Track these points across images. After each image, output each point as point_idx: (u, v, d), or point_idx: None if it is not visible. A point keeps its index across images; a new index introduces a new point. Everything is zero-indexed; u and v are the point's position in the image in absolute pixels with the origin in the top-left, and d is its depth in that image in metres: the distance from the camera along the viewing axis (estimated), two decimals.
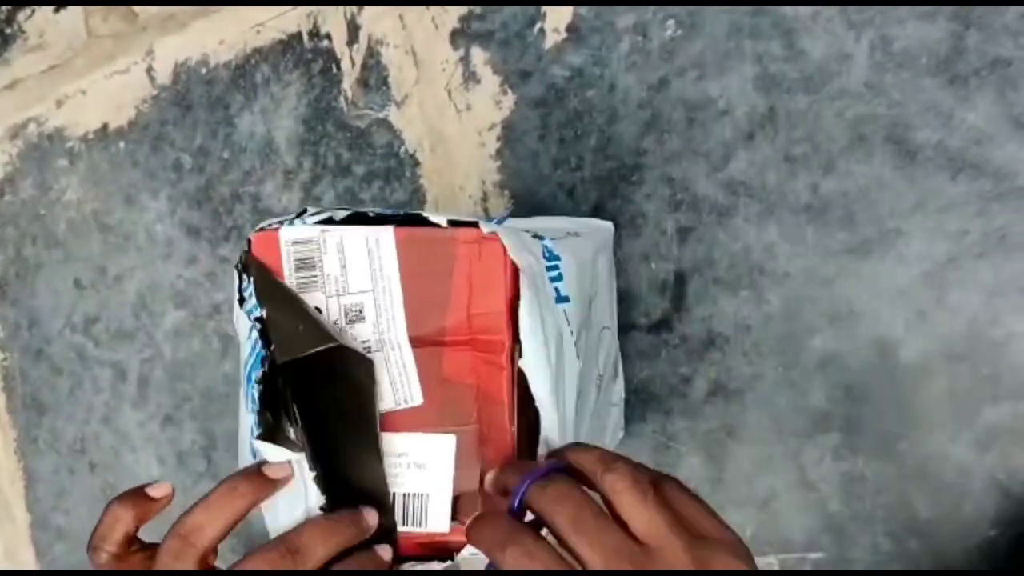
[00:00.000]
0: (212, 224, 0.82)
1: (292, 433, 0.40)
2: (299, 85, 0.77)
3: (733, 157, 0.62)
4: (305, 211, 0.42)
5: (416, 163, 0.72)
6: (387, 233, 0.40)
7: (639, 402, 0.65)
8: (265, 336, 0.40)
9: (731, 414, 0.63)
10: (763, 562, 0.62)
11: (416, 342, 0.41)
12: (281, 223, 0.42)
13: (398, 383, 0.42)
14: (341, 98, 0.75)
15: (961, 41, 0.56)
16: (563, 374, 0.43)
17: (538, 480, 0.36)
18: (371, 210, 0.42)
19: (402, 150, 0.73)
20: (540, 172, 0.68)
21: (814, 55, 0.60)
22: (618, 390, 0.62)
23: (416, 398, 0.41)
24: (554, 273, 0.44)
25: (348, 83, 0.74)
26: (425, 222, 0.41)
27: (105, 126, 0.88)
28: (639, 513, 0.34)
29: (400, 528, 0.42)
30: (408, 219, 0.42)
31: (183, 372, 0.85)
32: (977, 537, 0.57)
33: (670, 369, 0.65)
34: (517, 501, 0.36)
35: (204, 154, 0.82)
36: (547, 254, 0.44)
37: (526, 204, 0.69)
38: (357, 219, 0.42)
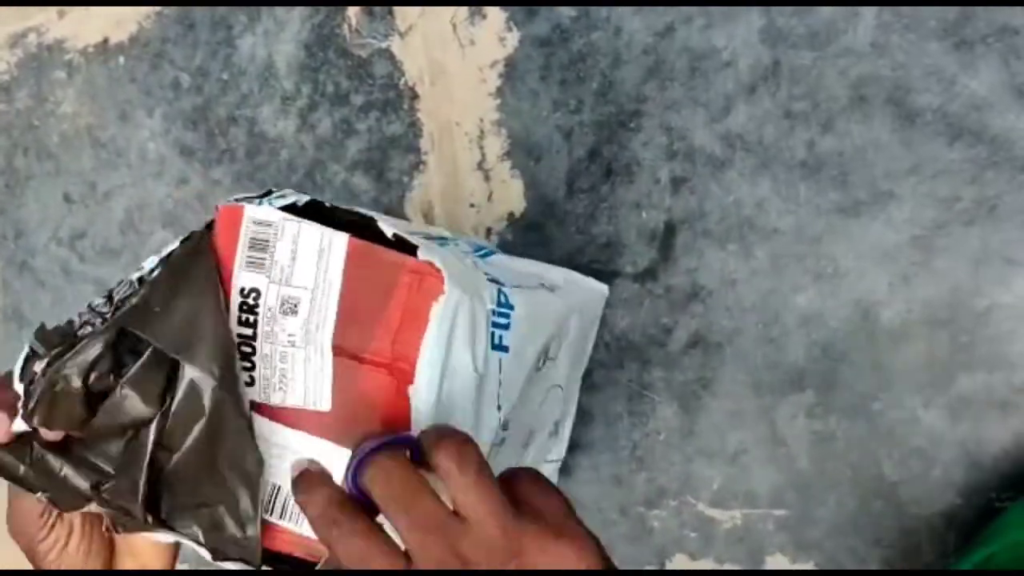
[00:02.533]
0: (206, 146, 0.81)
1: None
2: (303, 9, 0.76)
3: (733, 109, 0.62)
4: (271, 192, 0.43)
5: (415, 96, 0.72)
6: (341, 240, 0.41)
7: (617, 350, 0.65)
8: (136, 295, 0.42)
9: (708, 367, 0.63)
10: (727, 515, 0.62)
11: (338, 351, 0.42)
12: (248, 200, 0.43)
13: (311, 384, 0.42)
14: (345, 25, 0.74)
15: (970, 6, 0.56)
16: (479, 418, 0.44)
17: (367, 456, 0.36)
18: (330, 203, 0.43)
19: (402, 82, 0.72)
20: (539, 113, 0.68)
21: (823, 10, 0.59)
22: (557, 449, 0.62)
23: (324, 404, 0.42)
24: (503, 320, 0.44)
25: (353, 10, 0.74)
26: (376, 230, 0.41)
27: (106, 40, 0.87)
28: (456, 483, 0.33)
29: (277, 522, 0.43)
30: (362, 221, 0.42)
31: None
32: (942, 504, 0.58)
33: (651, 319, 0.65)
34: (351, 479, 0.36)
35: (203, 74, 0.81)
36: (502, 299, 0.44)
37: (523, 144, 0.68)
38: (315, 208, 0.43)
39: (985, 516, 0.56)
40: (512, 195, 0.69)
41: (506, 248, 0.70)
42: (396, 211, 0.74)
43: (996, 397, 0.56)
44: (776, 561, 0.61)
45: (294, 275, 0.41)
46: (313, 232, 0.41)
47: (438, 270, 0.40)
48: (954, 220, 0.57)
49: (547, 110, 0.67)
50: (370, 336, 0.41)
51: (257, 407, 0.43)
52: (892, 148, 0.58)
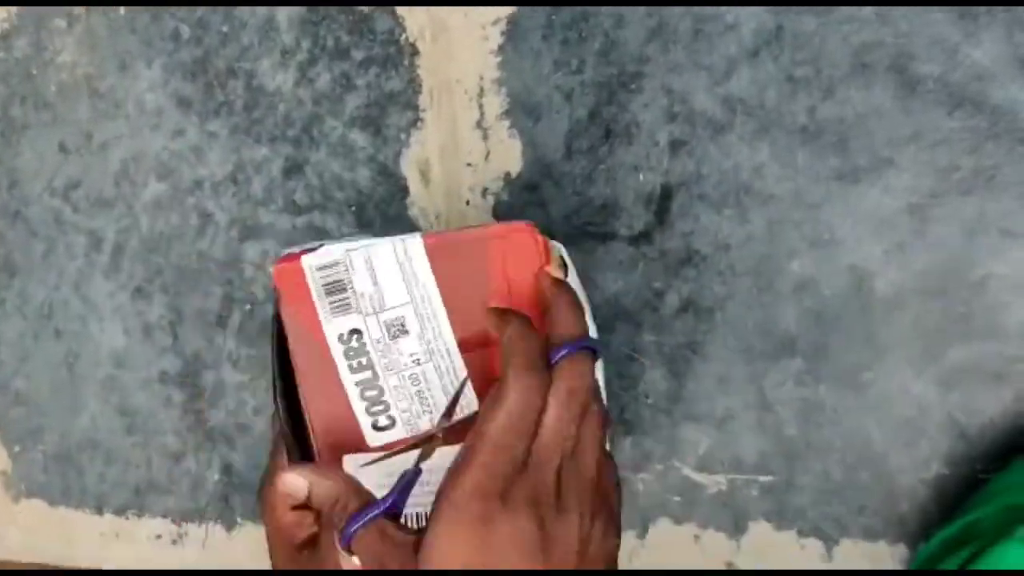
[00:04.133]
0: (204, 98, 0.81)
1: None
2: None
3: (735, 73, 0.61)
4: (321, 245, 0.41)
5: (416, 52, 0.71)
6: (415, 241, 0.40)
7: (610, 313, 0.65)
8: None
9: (699, 332, 0.63)
10: (712, 480, 0.62)
11: (464, 346, 0.40)
12: (304, 250, 0.41)
13: (451, 391, 0.41)
14: None
15: None
16: None
17: None
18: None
19: (403, 37, 0.72)
20: (540, 72, 0.67)
21: None
22: None
23: (472, 404, 0.41)
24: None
25: None
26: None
27: None
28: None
29: None
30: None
31: (159, 245, 0.84)
32: (928, 474, 0.58)
33: (644, 282, 0.64)
34: None
35: (203, 26, 0.80)
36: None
37: (522, 104, 0.68)
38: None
39: (969, 487, 0.56)
40: (510, 155, 0.69)
41: (502, 209, 0.70)
42: (392, 168, 0.73)
43: (988, 368, 0.56)
44: (759, 527, 0.61)
45: (385, 298, 0.40)
46: (385, 248, 0.40)
47: (523, 225, 0.40)
48: (952, 189, 0.56)
49: (548, 69, 0.67)
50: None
51: (420, 443, 0.41)
52: (893, 116, 0.58)
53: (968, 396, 0.57)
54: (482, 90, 0.69)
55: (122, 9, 0.85)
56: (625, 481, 0.65)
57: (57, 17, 0.89)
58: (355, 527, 0.37)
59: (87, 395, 0.89)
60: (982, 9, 0.56)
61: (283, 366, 0.42)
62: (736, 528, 0.62)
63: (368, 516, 0.37)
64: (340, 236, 0.74)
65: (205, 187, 0.82)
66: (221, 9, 0.79)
